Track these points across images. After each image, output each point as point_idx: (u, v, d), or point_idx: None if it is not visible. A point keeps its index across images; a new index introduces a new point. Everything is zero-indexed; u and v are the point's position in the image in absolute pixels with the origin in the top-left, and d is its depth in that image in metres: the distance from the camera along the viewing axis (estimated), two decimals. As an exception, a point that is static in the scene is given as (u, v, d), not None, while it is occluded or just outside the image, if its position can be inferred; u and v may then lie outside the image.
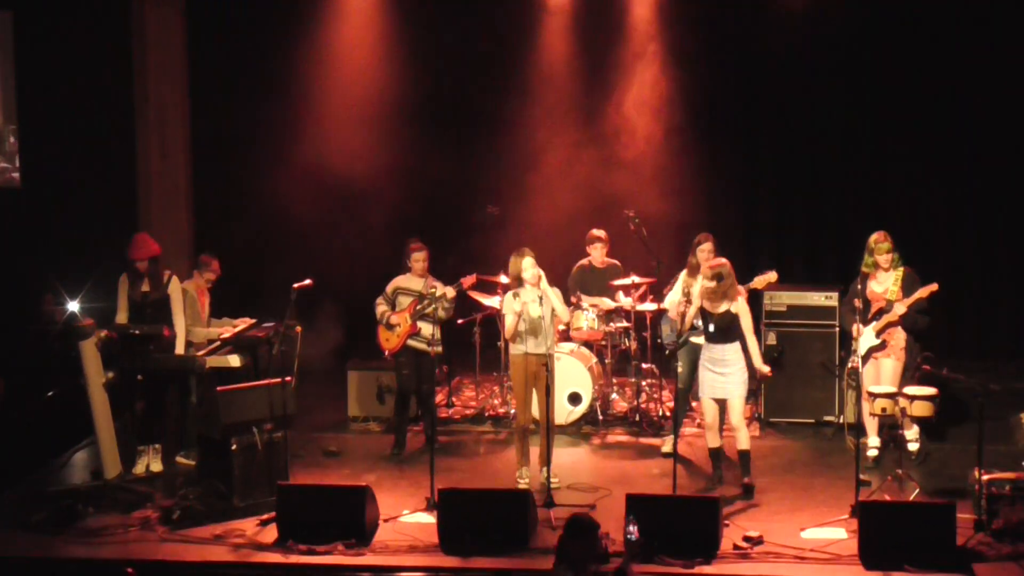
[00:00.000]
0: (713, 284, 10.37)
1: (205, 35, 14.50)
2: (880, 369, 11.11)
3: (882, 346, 11.11)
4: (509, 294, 10.70)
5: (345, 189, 14.80)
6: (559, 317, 10.80)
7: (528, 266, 10.59)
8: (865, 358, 11.07)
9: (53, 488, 10.70)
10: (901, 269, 11.17)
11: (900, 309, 11.02)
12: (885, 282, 11.19)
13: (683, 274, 11.49)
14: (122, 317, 11.17)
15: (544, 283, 10.65)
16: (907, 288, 11.12)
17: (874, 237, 11.23)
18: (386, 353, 11.82)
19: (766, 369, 10.65)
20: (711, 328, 10.48)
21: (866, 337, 11.06)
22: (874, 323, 11.10)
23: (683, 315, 10.74)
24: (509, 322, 10.64)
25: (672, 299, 11.43)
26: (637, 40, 14.48)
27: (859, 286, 11.12)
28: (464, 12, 14.64)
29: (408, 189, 14.68)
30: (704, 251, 11.32)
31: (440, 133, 14.87)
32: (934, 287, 11.03)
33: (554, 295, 10.70)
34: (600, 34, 14.71)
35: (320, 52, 14.80)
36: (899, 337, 11.12)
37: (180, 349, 11.18)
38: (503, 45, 14.77)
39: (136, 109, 13.94)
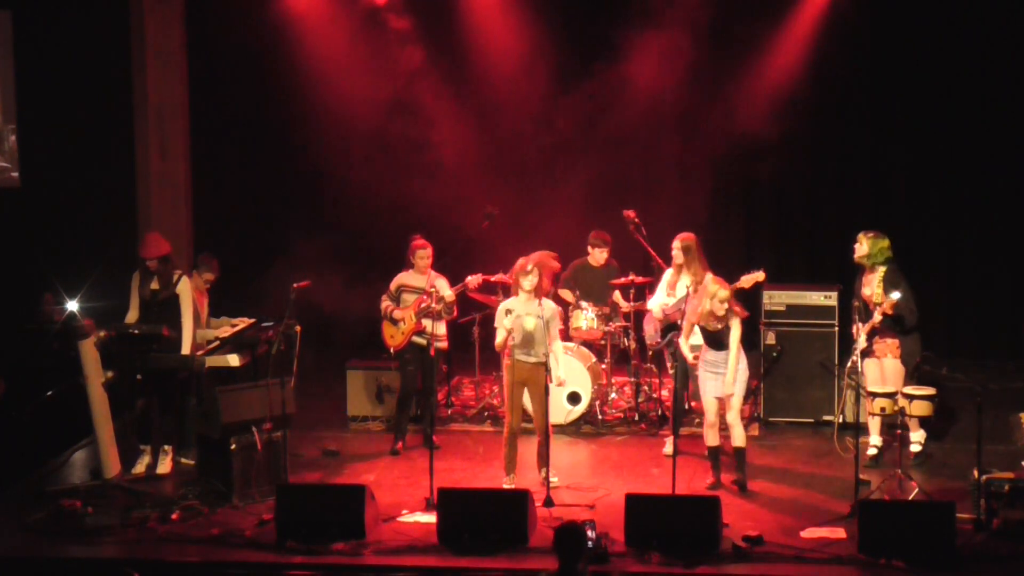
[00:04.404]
0: (726, 305, 10.32)
1: (205, 35, 14.49)
2: (883, 369, 11.08)
3: (871, 349, 11.05)
4: (501, 308, 10.55)
5: (345, 188, 14.81)
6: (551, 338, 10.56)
7: (529, 273, 10.46)
8: (862, 357, 11.04)
9: (52, 488, 10.69)
10: (883, 268, 11.09)
11: (877, 317, 10.93)
12: (871, 283, 11.12)
13: (669, 273, 11.49)
14: (132, 315, 11.22)
15: (550, 311, 10.54)
16: (888, 286, 11.02)
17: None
18: (391, 349, 11.80)
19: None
20: (710, 339, 10.49)
21: (863, 338, 11.06)
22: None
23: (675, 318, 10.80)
24: (499, 337, 10.53)
25: (663, 300, 11.45)
26: (637, 39, 14.48)
27: (856, 284, 11.13)
28: (464, 9, 14.65)
29: (408, 188, 14.66)
30: (694, 250, 11.33)
31: (439, 132, 14.87)
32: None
33: (556, 334, 10.57)
34: (601, 33, 14.72)
35: (320, 51, 14.79)
36: (890, 340, 11.06)
37: (187, 349, 11.14)
38: (504, 43, 14.77)
39: (136, 109, 13.93)
